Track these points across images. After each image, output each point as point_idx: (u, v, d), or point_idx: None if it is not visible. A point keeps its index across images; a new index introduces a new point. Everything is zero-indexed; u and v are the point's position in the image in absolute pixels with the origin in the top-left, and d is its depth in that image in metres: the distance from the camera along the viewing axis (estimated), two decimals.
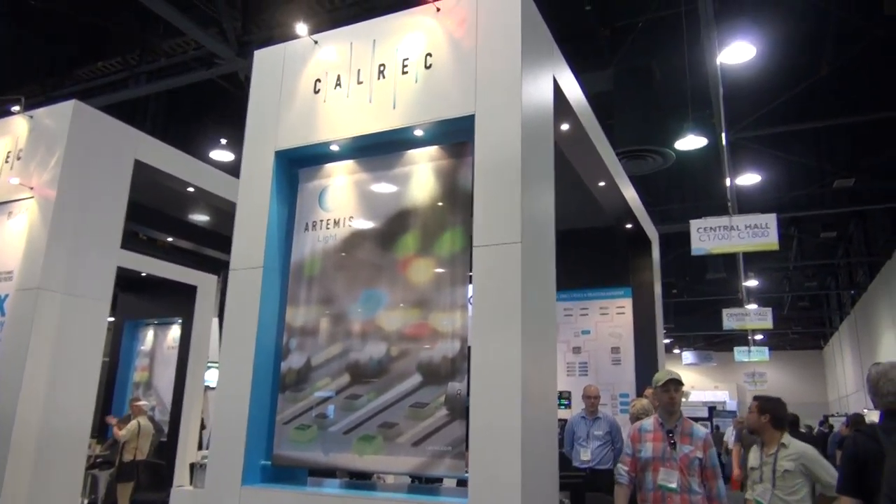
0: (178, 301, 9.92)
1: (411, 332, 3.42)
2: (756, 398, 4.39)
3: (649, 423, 4.09)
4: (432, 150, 3.66)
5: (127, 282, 9.43)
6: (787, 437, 4.13)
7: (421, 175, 3.64)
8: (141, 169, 6.26)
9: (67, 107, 5.71)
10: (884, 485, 2.46)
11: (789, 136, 11.98)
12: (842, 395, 25.38)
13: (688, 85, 8.89)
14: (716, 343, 28.90)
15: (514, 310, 3.03)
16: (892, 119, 10.23)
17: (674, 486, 3.80)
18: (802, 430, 17.88)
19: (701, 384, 29.76)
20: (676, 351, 30.70)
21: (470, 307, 3.25)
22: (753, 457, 4.32)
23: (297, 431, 3.57)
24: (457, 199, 3.49)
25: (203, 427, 10.63)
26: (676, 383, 4.04)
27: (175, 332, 10.20)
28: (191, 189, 7.13)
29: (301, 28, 4.06)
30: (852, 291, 20.90)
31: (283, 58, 4.15)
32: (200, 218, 8.97)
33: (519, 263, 3.07)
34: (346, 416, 3.46)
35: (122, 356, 10.37)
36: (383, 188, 3.76)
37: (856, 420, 9.33)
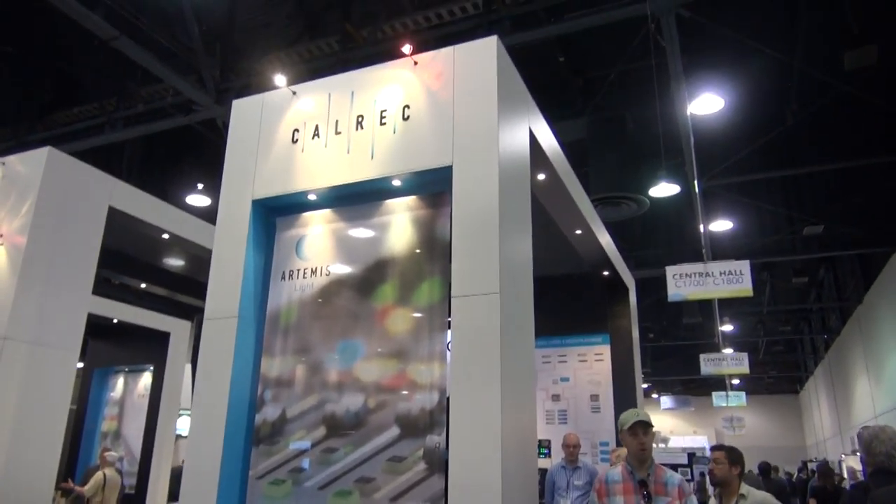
0: (150, 348, 9.72)
1: (389, 384, 3.38)
2: (720, 447, 4.11)
3: (616, 472, 3.47)
4: (410, 199, 3.68)
5: (98, 328, 9.22)
6: (744, 487, 3.87)
7: (399, 225, 3.65)
8: (115, 215, 6.21)
9: (41, 153, 5.67)
10: None
11: (759, 184, 12.30)
12: (819, 439, 25.44)
13: (660, 133, 9.12)
14: (693, 387, 28.95)
15: (494, 360, 3.01)
16: (856, 168, 10.58)
17: None
18: (782, 475, 17.85)
19: (680, 429, 29.67)
20: (655, 396, 30.66)
21: (449, 356, 3.22)
22: None
23: (270, 486, 3.47)
24: (435, 248, 3.50)
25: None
26: (645, 425, 3.44)
27: (146, 379, 9.95)
28: (165, 235, 7.06)
29: (279, 79, 4.10)
30: (825, 336, 21.18)
31: (262, 107, 4.18)
32: (175, 263, 8.86)
33: (498, 313, 3.07)
34: (322, 470, 3.38)
35: (90, 404, 10.07)
36: (361, 237, 3.76)
37: (823, 471, 9.09)
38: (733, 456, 3.91)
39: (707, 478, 9.25)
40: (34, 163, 5.65)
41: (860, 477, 11.02)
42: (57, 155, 5.77)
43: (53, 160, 5.68)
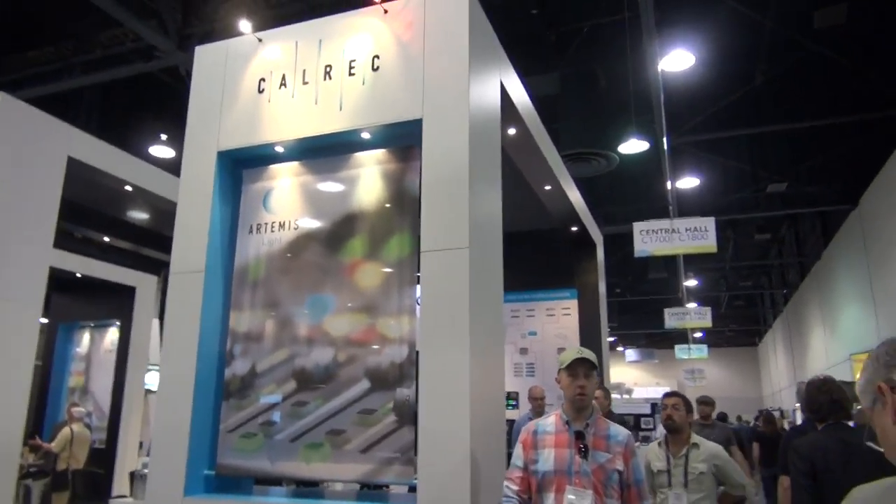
0: (115, 302, 9.57)
1: (358, 338, 3.39)
2: (676, 394, 3.92)
3: (549, 422, 2.83)
4: (379, 153, 3.63)
5: (61, 283, 9.03)
6: (695, 437, 3.79)
7: (368, 178, 3.61)
8: (75, 166, 6.01)
9: None
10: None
11: (726, 142, 12.41)
12: (775, 389, 26.47)
13: (631, 90, 9.10)
14: (657, 341, 29.70)
15: (463, 315, 3.03)
16: (822, 127, 10.72)
17: None
18: (742, 423, 18.57)
19: (643, 381, 30.55)
20: (620, 349, 31.42)
21: (418, 310, 3.24)
22: (656, 459, 3.82)
23: (242, 440, 3.49)
24: (404, 203, 3.47)
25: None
26: (588, 365, 2.80)
27: (113, 334, 9.84)
28: (128, 187, 6.89)
29: (245, 25, 3.96)
30: (784, 291, 21.81)
31: (226, 55, 4.05)
32: (139, 216, 8.68)
33: (467, 268, 3.08)
34: (293, 423, 3.40)
35: (55, 360, 9.94)
36: (330, 191, 3.71)
37: (767, 418, 10.33)
38: (689, 405, 3.88)
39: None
40: None
41: None
42: (11, 101, 5.53)
43: (7, 107, 5.46)
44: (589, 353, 2.82)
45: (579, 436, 2.72)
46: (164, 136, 11.16)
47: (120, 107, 12.02)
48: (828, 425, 3.18)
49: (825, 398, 3.27)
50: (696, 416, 8.29)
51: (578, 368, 2.78)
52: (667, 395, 4.02)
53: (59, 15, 9.73)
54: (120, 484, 8.59)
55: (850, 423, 3.26)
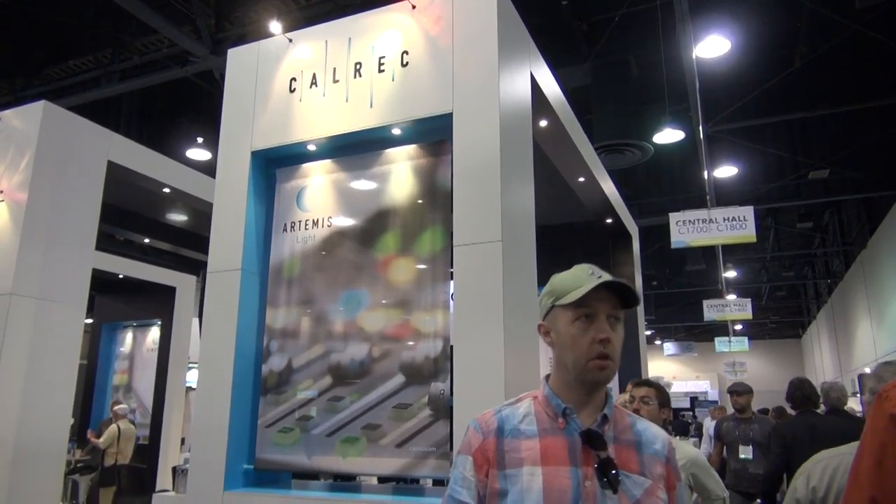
0: (156, 302, 9.81)
1: (393, 333, 3.41)
2: (646, 383, 3.25)
3: (523, 413, 1.53)
4: (410, 148, 3.63)
5: (104, 284, 9.30)
6: (674, 440, 2.83)
7: (399, 174, 3.62)
8: (114, 170, 6.16)
9: (37, 108, 5.60)
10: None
11: (765, 129, 12.13)
12: (820, 382, 25.80)
13: (664, 78, 8.95)
14: (696, 333, 29.20)
15: (497, 308, 3.02)
16: (864, 111, 10.41)
17: None
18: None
19: (683, 374, 30.09)
20: (658, 342, 30.99)
21: (452, 305, 3.24)
22: None
23: (279, 434, 3.54)
24: (436, 197, 3.47)
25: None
26: (614, 302, 1.48)
27: (154, 333, 10.08)
28: (166, 190, 7.03)
29: (275, 26, 4.01)
30: (829, 280, 21.23)
31: (258, 56, 4.10)
32: (177, 218, 8.86)
33: (500, 262, 3.06)
34: (329, 417, 3.44)
35: (100, 359, 10.24)
36: (362, 188, 3.73)
37: (779, 413, 9.22)
38: (663, 397, 3.18)
39: (708, 426, 8.89)
40: (30, 117, 5.58)
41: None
42: (53, 109, 5.69)
43: (50, 114, 5.61)
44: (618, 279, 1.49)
45: (592, 439, 1.41)
46: (200, 139, 11.39)
47: (157, 112, 12.31)
48: (800, 412, 4.68)
49: (798, 393, 4.75)
50: (729, 409, 8.03)
51: (598, 305, 1.46)
52: (635, 383, 3.25)
53: (97, 25, 9.99)
54: (163, 478, 8.80)
55: (818, 411, 4.72)
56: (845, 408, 4.77)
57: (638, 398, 3.17)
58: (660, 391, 3.17)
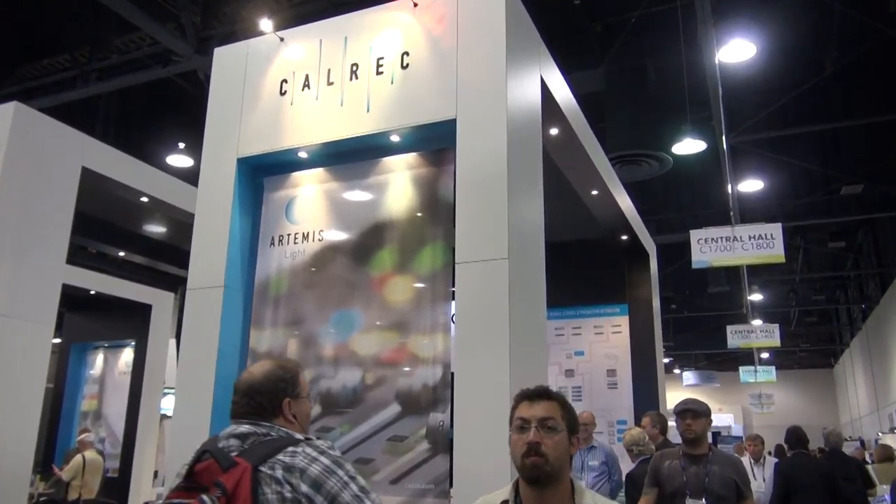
0: (130, 321, 9.78)
1: (388, 358, 3.39)
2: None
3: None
4: (410, 157, 3.64)
5: (74, 300, 9.28)
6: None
7: (398, 184, 3.62)
8: (89, 177, 6.18)
9: (7, 109, 5.63)
10: None
11: (793, 140, 12.16)
12: (854, 416, 25.64)
13: (685, 85, 8.98)
14: (719, 362, 29.10)
15: (502, 332, 3.00)
16: None
17: None
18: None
19: None
20: (677, 371, 30.85)
21: (453, 327, 3.22)
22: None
23: None
24: (437, 210, 3.47)
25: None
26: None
27: (127, 355, 10.04)
28: (144, 199, 7.05)
29: (266, 24, 4.03)
30: (863, 305, 21.18)
31: (246, 56, 4.12)
32: (155, 230, 8.87)
33: (506, 281, 3.05)
34: None
35: (68, 382, 10.19)
36: (357, 199, 3.73)
37: (780, 451, 9.53)
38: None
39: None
40: (0, 120, 5.61)
41: None
42: (24, 111, 5.72)
43: (21, 116, 5.64)
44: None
45: None
46: (181, 145, 11.42)
47: (136, 114, 12.36)
48: (794, 453, 6.07)
49: (793, 437, 6.09)
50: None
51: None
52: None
53: (73, 21, 10.06)
54: None
55: (806, 451, 6.20)
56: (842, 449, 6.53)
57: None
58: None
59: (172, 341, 10.87)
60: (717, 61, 7.98)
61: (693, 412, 3.76)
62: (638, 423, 6.59)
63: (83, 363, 10.38)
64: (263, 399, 1.91)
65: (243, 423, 1.88)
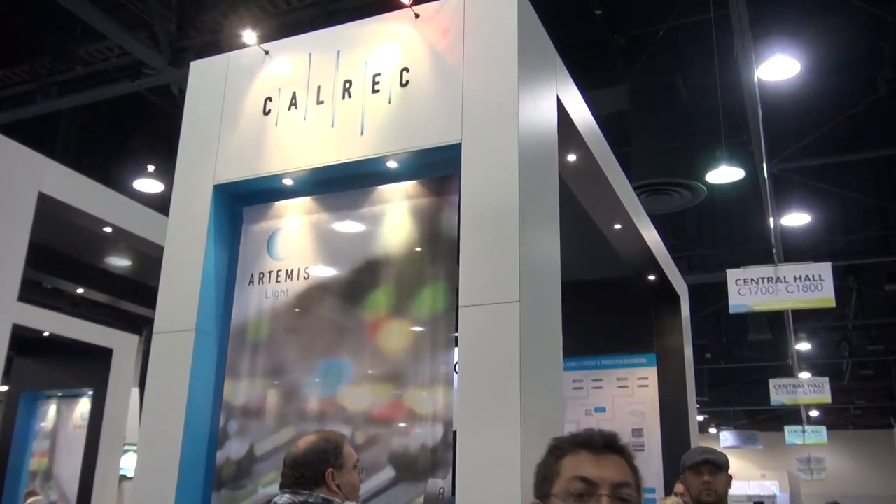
0: (88, 368, 9.76)
1: (382, 414, 3.37)
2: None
3: None
4: (409, 185, 3.66)
5: (25, 343, 9.28)
6: None
7: (394, 216, 3.64)
8: (46, 203, 6.22)
9: None
10: None
11: (843, 168, 12.23)
12: None
13: (719, 105, 9.07)
14: (761, 420, 28.84)
15: (512, 385, 2.99)
16: None
17: None
18: None
19: (744, 472, 29.54)
20: (713, 430, 30.57)
21: (456, 379, 3.21)
22: None
23: None
24: (439, 246, 3.48)
25: None
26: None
27: (84, 406, 10.00)
28: (108, 229, 7.09)
29: (249, 35, 4.10)
30: None
31: (227, 70, 4.18)
32: (119, 264, 8.90)
33: (517, 327, 3.05)
34: None
35: (15, 437, 10.12)
36: (348, 232, 3.75)
37: None
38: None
39: None
40: None
41: None
42: None
43: None
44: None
45: None
46: (151, 168, 11.51)
47: (101, 134, 12.51)
48: None
49: None
50: None
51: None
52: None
53: (33, 28, 10.23)
54: None
55: None
56: None
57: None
58: None
59: (135, 391, 10.82)
60: (756, 79, 8.07)
61: (712, 464, 3.35)
62: (669, 490, 6.51)
63: (33, 415, 10.33)
64: (306, 470, 2.45)
65: (286, 493, 2.45)
